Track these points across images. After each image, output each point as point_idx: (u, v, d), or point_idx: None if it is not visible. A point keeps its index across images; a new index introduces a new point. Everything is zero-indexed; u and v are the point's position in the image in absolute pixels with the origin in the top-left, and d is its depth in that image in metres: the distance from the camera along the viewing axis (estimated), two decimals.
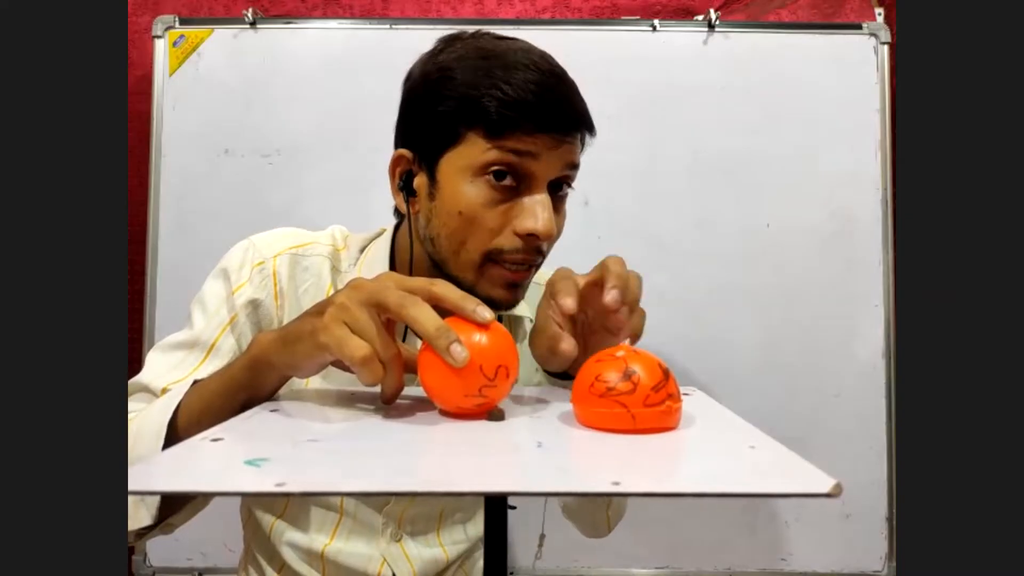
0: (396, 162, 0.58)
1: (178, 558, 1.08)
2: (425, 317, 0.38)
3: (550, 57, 0.55)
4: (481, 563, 0.78)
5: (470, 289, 0.54)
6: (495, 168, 0.52)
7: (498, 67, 0.52)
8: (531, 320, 0.69)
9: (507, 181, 0.52)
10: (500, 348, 0.39)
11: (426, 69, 0.56)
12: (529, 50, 0.54)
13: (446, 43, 0.56)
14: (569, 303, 0.45)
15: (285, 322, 0.60)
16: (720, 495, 0.26)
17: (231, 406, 0.45)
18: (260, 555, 0.65)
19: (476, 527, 0.70)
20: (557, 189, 0.55)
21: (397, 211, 0.64)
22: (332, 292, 0.62)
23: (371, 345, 0.38)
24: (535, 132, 0.51)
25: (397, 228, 0.64)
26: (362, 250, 0.65)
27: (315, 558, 0.63)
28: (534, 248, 0.54)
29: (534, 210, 0.52)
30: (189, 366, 0.57)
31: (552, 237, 0.54)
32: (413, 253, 0.58)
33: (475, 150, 0.52)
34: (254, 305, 0.60)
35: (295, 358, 0.42)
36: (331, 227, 0.66)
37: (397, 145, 0.59)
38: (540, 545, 1.08)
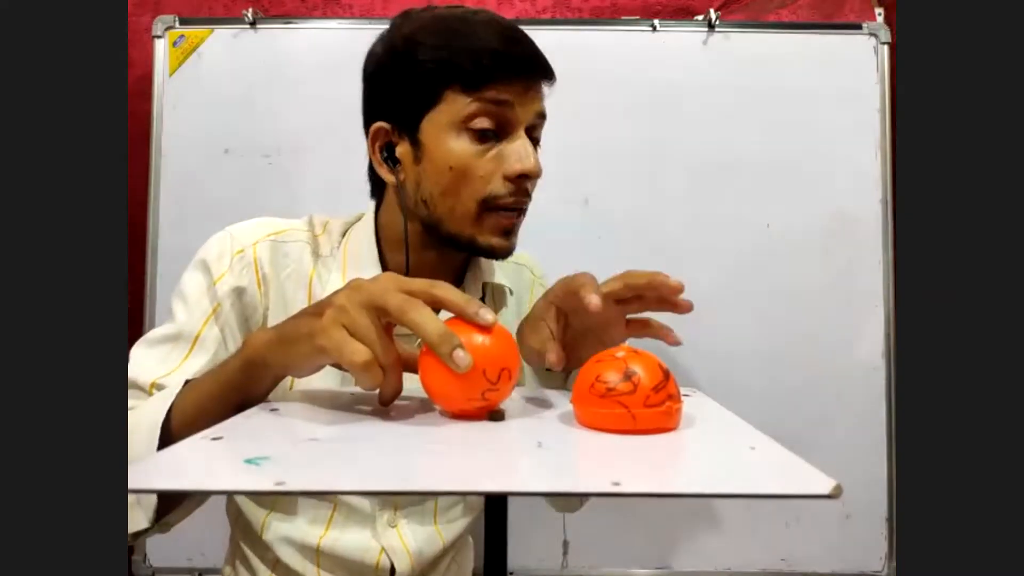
0: (375, 136, 0.60)
1: (178, 558, 1.08)
2: (428, 322, 0.38)
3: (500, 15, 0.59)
4: (472, 553, 0.79)
5: (469, 241, 0.58)
6: (477, 120, 0.55)
7: (462, 27, 0.56)
8: (512, 291, 0.72)
9: (489, 131, 0.56)
10: (503, 351, 0.39)
11: (391, 43, 0.59)
12: (483, 10, 0.59)
13: (402, 18, 0.60)
14: (595, 300, 0.48)
15: (271, 308, 0.60)
16: (720, 496, 0.26)
17: (225, 407, 0.45)
18: (252, 553, 0.64)
19: (472, 510, 0.70)
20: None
21: (374, 191, 0.66)
22: (314, 277, 0.62)
23: (371, 350, 0.38)
24: (509, 80, 0.55)
25: (378, 208, 0.66)
26: (344, 233, 0.66)
27: (310, 551, 0.62)
28: (523, 190, 0.58)
29: (519, 153, 0.56)
30: (175, 360, 0.57)
31: (540, 173, 0.58)
32: (407, 223, 0.60)
33: (456, 106, 0.55)
34: (238, 293, 0.59)
35: (291, 359, 0.42)
36: (307, 215, 0.67)
37: (369, 121, 0.61)
38: (565, 553, 1.09)
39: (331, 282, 0.62)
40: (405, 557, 0.63)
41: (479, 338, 0.38)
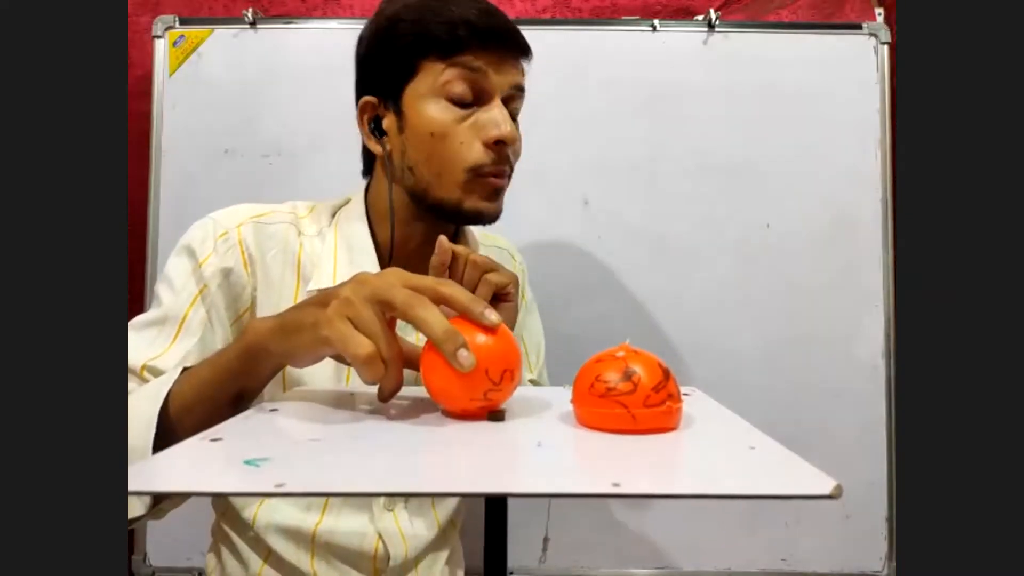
0: (363, 109, 0.63)
1: (178, 558, 1.08)
2: (433, 320, 0.38)
3: None
4: (461, 558, 0.78)
5: (455, 207, 0.60)
6: (453, 85, 0.58)
7: (439, 3, 0.59)
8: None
9: (466, 98, 0.59)
10: (506, 351, 0.39)
11: (376, 25, 0.62)
12: None
13: (387, 1, 0.63)
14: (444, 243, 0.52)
15: (259, 287, 0.62)
16: (720, 496, 0.26)
17: (224, 396, 0.45)
18: (242, 543, 0.64)
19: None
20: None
21: (365, 168, 0.68)
22: (302, 255, 0.63)
23: (375, 343, 0.38)
24: (481, 49, 0.58)
25: (367, 188, 0.67)
26: (333, 215, 0.67)
27: (306, 540, 0.62)
28: (504, 156, 0.60)
29: (495, 119, 0.59)
30: (163, 343, 0.57)
31: (517, 140, 0.61)
32: (392, 196, 0.62)
33: (432, 74, 0.59)
34: (225, 274, 0.60)
35: (294, 348, 0.42)
36: (289, 201, 0.69)
37: (359, 97, 0.64)
38: (544, 549, 1.08)
39: (323, 262, 0.63)
40: (400, 542, 0.63)
41: (482, 338, 0.38)
